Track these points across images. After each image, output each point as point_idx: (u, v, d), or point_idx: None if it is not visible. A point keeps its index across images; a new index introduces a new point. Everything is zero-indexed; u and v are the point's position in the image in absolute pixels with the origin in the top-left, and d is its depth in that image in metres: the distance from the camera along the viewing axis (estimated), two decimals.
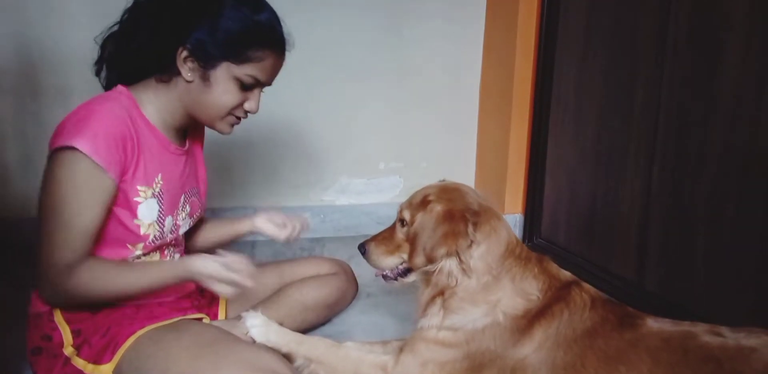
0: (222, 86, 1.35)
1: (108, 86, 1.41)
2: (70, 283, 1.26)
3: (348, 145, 2.72)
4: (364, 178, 2.78)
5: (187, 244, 1.66)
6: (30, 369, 1.41)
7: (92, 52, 2.42)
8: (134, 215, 1.34)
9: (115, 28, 1.38)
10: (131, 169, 1.31)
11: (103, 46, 1.39)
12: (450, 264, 1.33)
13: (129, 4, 1.37)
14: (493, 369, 1.28)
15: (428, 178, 2.80)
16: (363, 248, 1.47)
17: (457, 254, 1.32)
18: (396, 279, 1.46)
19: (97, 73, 1.41)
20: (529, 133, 2.59)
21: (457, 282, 1.33)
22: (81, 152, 1.21)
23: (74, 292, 1.27)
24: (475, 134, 2.86)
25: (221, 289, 1.33)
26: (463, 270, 1.33)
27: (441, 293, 1.35)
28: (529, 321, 1.29)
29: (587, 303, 1.30)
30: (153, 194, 1.37)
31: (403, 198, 2.82)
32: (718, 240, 1.75)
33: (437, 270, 1.34)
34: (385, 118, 2.74)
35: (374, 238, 1.47)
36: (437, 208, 1.35)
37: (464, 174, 2.89)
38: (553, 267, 1.40)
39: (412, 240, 1.38)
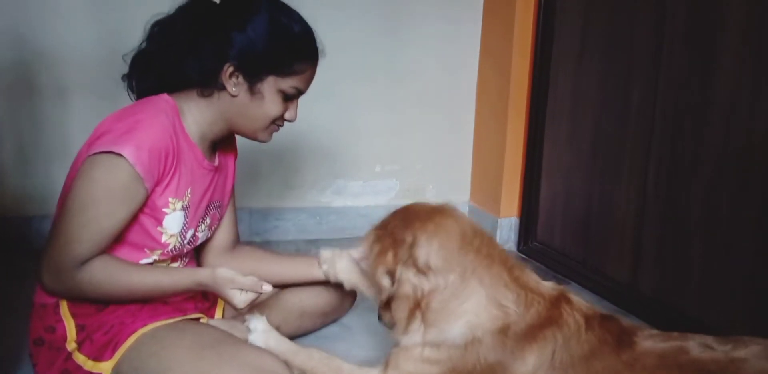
0: (269, 98, 1.38)
1: (139, 98, 1.41)
2: (79, 277, 1.26)
3: (344, 147, 2.72)
4: (361, 180, 2.77)
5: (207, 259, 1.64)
6: (29, 360, 1.41)
7: (90, 51, 2.42)
8: (159, 224, 1.35)
9: (144, 44, 1.38)
10: (166, 181, 1.33)
11: (134, 63, 1.40)
12: (406, 275, 1.24)
13: (156, 19, 1.38)
14: None
15: (424, 180, 2.84)
16: (378, 316, 1.38)
17: (402, 264, 1.24)
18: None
19: (130, 88, 1.42)
20: (525, 135, 2.59)
21: (425, 288, 1.24)
22: (126, 160, 1.22)
23: (80, 287, 1.28)
24: (472, 137, 2.86)
25: (237, 298, 1.34)
26: (422, 272, 1.24)
27: (417, 305, 1.26)
28: (517, 343, 1.22)
29: (581, 325, 1.23)
30: (182, 207, 1.38)
31: (399, 201, 2.84)
32: (713, 243, 1.75)
33: (399, 287, 1.26)
34: (381, 121, 2.74)
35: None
36: (369, 236, 1.33)
37: (460, 176, 2.89)
38: (530, 279, 1.31)
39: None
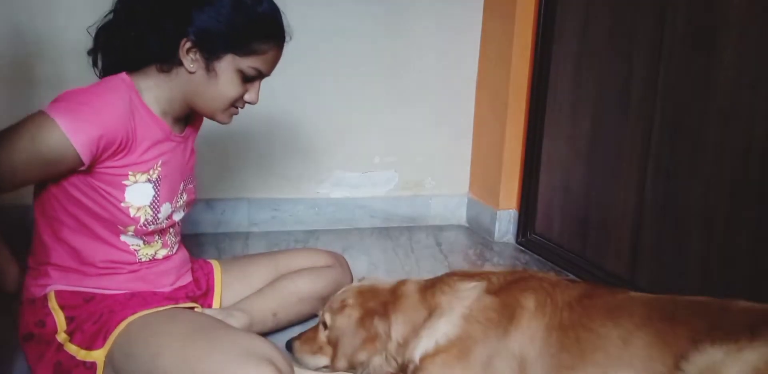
0: (225, 78, 1.35)
1: (104, 75, 1.41)
2: None
3: (343, 139, 2.71)
4: (359, 171, 2.77)
5: None
6: (22, 356, 1.41)
7: (89, 42, 2.41)
8: (122, 199, 1.34)
9: (110, 17, 1.37)
10: (120, 156, 1.31)
11: (97, 36, 1.38)
12: (375, 362, 1.41)
13: None
14: (501, 355, 1.30)
15: (423, 172, 2.84)
16: (289, 345, 1.50)
17: (379, 354, 1.40)
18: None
19: (94, 63, 1.41)
20: (524, 128, 2.59)
21: (399, 360, 1.40)
22: (59, 127, 1.21)
23: None
24: (471, 129, 2.86)
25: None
26: (392, 355, 1.40)
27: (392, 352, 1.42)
28: (509, 295, 1.33)
29: (561, 280, 1.38)
30: (148, 179, 1.37)
31: (399, 193, 2.84)
32: (711, 239, 1.76)
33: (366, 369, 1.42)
34: (380, 112, 2.73)
35: (300, 337, 1.51)
36: (353, 314, 1.42)
37: (459, 168, 2.89)
38: (476, 271, 1.49)
39: (334, 344, 1.43)
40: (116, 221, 1.36)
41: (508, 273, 1.42)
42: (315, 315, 1.75)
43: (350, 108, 2.69)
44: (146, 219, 1.39)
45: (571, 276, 2.25)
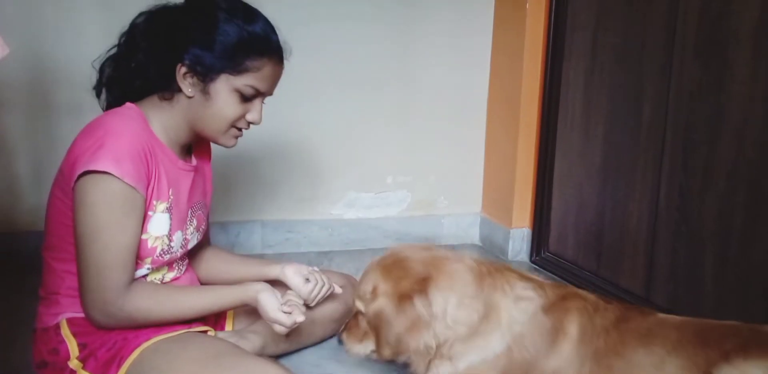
0: (223, 98, 1.36)
1: (108, 108, 1.43)
2: (127, 308, 1.28)
3: (356, 159, 2.73)
4: (372, 192, 2.78)
5: (198, 269, 1.66)
6: None
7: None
8: (145, 229, 1.35)
9: (113, 50, 1.41)
10: (152, 185, 1.34)
11: (102, 69, 1.42)
12: (428, 342, 1.31)
13: (125, 28, 1.40)
14: None
15: (436, 192, 2.85)
16: (339, 339, 1.46)
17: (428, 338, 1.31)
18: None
19: (98, 96, 1.44)
20: (536, 147, 2.59)
21: (446, 336, 1.32)
22: (111, 175, 1.24)
23: (130, 314, 1.30)
24: (483, 148, 2.86)
25: (278, 327, 1.42)
26: (438, 335, 1.31)
27: (437, 352, 1.33)
28: (555, 318, 1.32)
29: (599, 300, 1.36)
30: (166, 208, 1.39)
31: (411, 213, 2.84)
32: (726, 256, 1.74)
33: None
34: (392, 132, 2.74)
35: (345, 327, 1.46)
36: (386, 302, 1.31)
37: (472, 187, 2.88)
38: (527, 273, 1.45)
39: (375, 331, 1.35)
40: (138, 254, 1.37)
41: (554, 286, 1.41)
42: (329, 337, 1.75)
43: (361, 128, 2.70)
44: (162, 249, 1.40)
45: None
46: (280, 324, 1.40)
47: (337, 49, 2.57)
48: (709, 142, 1.78)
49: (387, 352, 1.34)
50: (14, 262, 2.27)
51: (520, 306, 1.34)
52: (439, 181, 2.84)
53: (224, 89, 1.35)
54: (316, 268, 1.63)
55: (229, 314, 1.64)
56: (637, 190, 2.06)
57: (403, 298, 1.30)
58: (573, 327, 1.31)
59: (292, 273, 1.58)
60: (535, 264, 2.59)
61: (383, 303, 1.31)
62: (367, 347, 1.40)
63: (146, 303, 1.31)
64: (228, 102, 1.37)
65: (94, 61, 1.41)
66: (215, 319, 1.60)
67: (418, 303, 1.29)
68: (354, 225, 2.76)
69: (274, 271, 1.61)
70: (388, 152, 2.76)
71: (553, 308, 1.34)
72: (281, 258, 2.56)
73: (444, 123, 2.79)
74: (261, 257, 2.58)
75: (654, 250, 2.00)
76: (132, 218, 1.29)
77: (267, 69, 1.38)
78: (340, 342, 1.45)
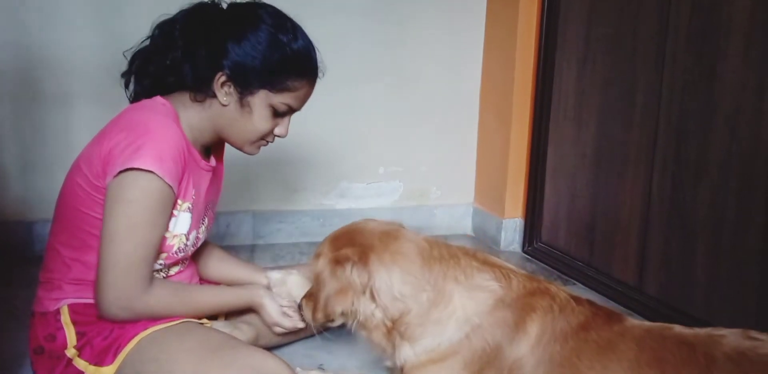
0: (258, 113, 1.38)
1: (136, 98, 1.43)
2: (151, 301, 1.30)
3: (348, 150, 2.72)
4: (364, 182, 2.77)
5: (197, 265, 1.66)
6: (29, 368, 1.40)
7: (92, 57, 2.43)
8: (168, 227, 1.36)
9: (146, 42, 1.40)
10: (183, 184, 1.35)
11: (132, 60, 1.42)
12: (367, 311, 1.29)
13: (160, 20, 1.39)
14: (491, 371, 1.27)
15: (428, 182, 2.84)
16: (299, 304, 1.46)
17: (361, 303, 1.28)
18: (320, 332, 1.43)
19: (126, 85, 1.43)
20: (529, 137, 2.59)
21: (396, 312, 1.28)
22: (155, 174, 1.24)
23: (152, 310, 1.31)
24: (476, 138, 2.86)
25: (276, 330, 1.52)
26: (387, 306, 1.28)
27: (391, 330, 1.31)
28: (517, 314, 1.27)
29: (570, 300, 1.31)
30: (188, 208, 1.39)
31: (404, 203, 2.84)
32: (718, 245, 1.74)
33: (359, 318, 1.30)
34: (385, 123, 2.73)
35: (306, 295, 1.44)
36: (324, 264, 1.32)
37: (464, 178, 2.88)
38: (497, 260, 1.37)
39: (316, 294, 1.35)
40: None
41: (526, 279, 1.33)
42: (321, 331, 1.75)
43: (354, 119, 2.69)
44: (179, 247, 1.41)
45: (579, 285, 2.24)
46: (283, 327, 1.48)
47: (329, 42, 2.52)
48: (701, 132, 1.78)
49: (319, 315, 1.33)
50: (1, 253, 2.26)
51: (477, 296, 1.29)
52: (431, 172, 2.83)
53: (261, 104, 1.37)
54: (292, 271, 1.68)
55: None
56: (630, 181, 2.06)
57: (338, 263, 1.30)
58: (533, 327, 1.26)
59: (269, 301, 1.56)
60: (528, 254, 2.59)
61: (321, 266, 1.33)
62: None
63: (170, 299, 1.34)
64: (262, 116, 1.39)
65: (126, 51, 1.41)
66: None
67: (349, 270, 1.28)
68: (346, 215, 2.74)
69: (262, 281, 1.65)
70: (380, 142, 2.75)
71: (517, 303, 1.28)
72: (272, 248, 2.57)
73: (436, 113, 2.79)
74: (251, 249, 2.58)
75: (646, 240, 2.00)
76: (165, 216, 1.31)
77: (304, 90, 1.41)
78: (299, 307, 1.45)
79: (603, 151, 2.20)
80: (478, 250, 1.39)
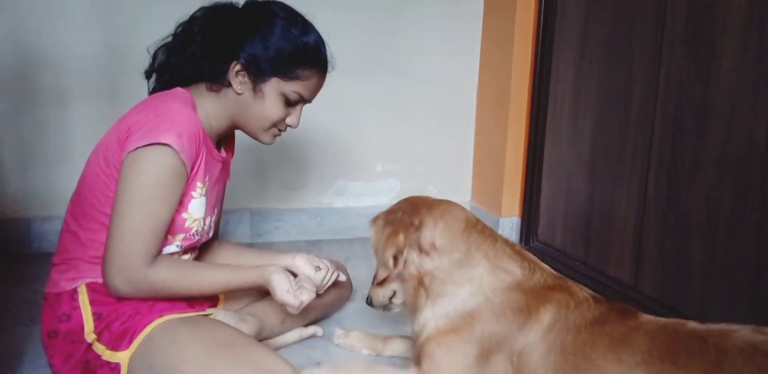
0: (269, 100, 1.46)
1: (154, 92, 1.50)
2: (152, 277, 1.31)
3: (345, 148, 2.72)
4: (361, 180, 2.78)
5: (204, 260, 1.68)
6: (28, 366, 1.40)
7: (90, 54, 2.43)
8: (185, 208, 1.41)
9: (169, 39, 1.49)
10: (197, 166, 1.40)
11: (155, 56, 1.50)
12: (411, 257, 1.37)
13: (184, 19, 1.48)
14: (501, 354, 1.30)
15: (426, 180, 2.85)
16: (368, 298, 1.51)
17: (408, 246, 1.36)
18: (385, 308, 1.50)
19: (148, 78, 1.51)
20: (526, 136, 2.59)
21: (429, 264, 1.36)
22: (171, 148, 1.29)
23: (153, 284, 1.33)
24: (473, 137, 2.86)
25: (290, 307, 1.46)
26: (426, 252, 1.36)
27: (420, 282, 1.38)
28: (531, 300, 1.31)
29: (589, 297, 1.34)
30: (205, 192, 1.45)
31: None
32: (713, 243, 1.75)
33: (405, 269, 1.37)
34: (382, 121, 2.74)
35: (373, 285, 1.50)
36: (378, 221, 1.43)
37: (461, 176, 2.89)
38: (529, 254, 1.42)
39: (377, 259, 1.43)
40: (173, 230, 1.41)
41: (550, 275, 1.38)
42: (316, 322, 1.79)
43: (351, 117, 2.70)
44: (196, 230, 1.46)
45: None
46: (288, 305, 1.45)
47: (327, 38, 2.55)
48: (697, 130, 1.79)
49: (381, 272, 1.39)
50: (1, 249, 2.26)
51: (497, 274, 1.35)
52: (428, 170, 2.84)
53: (272, 92, 1.46)
54: (323, 259, 1.69)
55: (222, 297, 1.65)
56: (626, 179, 2.07)
57: (391, 213, 1.42)
58: (546, 316, 1.30)
59: (303, 263, 1.63)
60: None
61: (377, 224, 1.43)
62: (386, 292, 1.46)
63: (171, 274, 1.34)
64: (274, 103, 1.47)
65: (149, 46, 1.49)
66: (216, 299, 1.63)
67: (400, 214, 1.39)
68: (343, 213, 2.75)
69: (285, 261, 1.65)
70: (377, 140, 2.75)
71: (533, 292, 1.33)
72: (270, 247, 2.57)
73: (434, 111, 2.79)
74: (250, 246, 2.58)
75: (642, 239, 2.01)
76: (176, 193, 1.34)
77: (314, 79, 1.50)
78: (369, 301, 1.51)
79: (599, 149, 2.21)
80: (517, 244, 1.46)
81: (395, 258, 1.37)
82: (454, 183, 2.88)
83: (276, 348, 1.63)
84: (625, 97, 2.06)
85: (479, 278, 1.35)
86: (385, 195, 2.81)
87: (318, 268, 1.62)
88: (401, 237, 1.37)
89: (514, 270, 1.36)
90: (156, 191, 1.30)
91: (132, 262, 1.29)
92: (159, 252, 1.34)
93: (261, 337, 1.56)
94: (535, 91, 2.52)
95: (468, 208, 2.84)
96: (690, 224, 1.82)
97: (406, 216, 1.39)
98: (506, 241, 1.43)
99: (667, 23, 1.88)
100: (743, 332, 1.19)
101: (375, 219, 1.46)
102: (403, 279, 1.40)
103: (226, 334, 1.35)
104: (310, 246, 2.60)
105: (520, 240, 2.63)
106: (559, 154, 2.43)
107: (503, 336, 1.30)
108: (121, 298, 1.35)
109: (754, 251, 1.64)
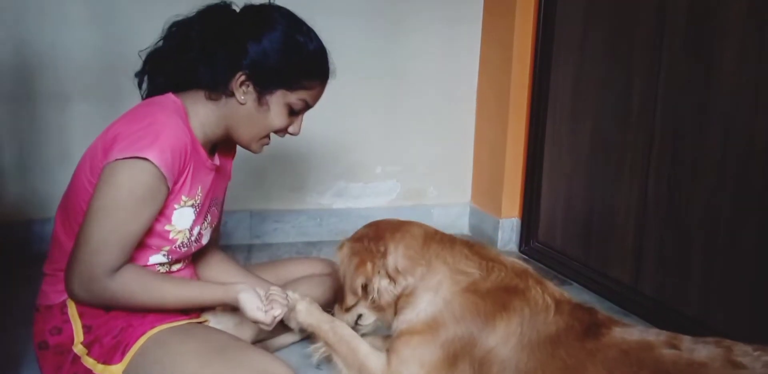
0: (274, 111, 1.42)
1: (148, 96, 1.45)
2: (112, 287, 1.27)
3: (345, 149, 2.72)
4: (361, 182, 2.77)
5: (201, 271, 1.65)
6: (32, 365, 1.40)
7: (89, 56, 2.42)
8: (168, 220, 1.37)
9: (161, 43, 1.42)
10: (182, 180, 1.36)
11: (147, 60, 1.44)
12: (382, 285, 1.39)
13: (175, 20, 1.41)
14: (465, 359, 1.28)
15: (425, 182, 2.84)
16: (332, 312, 1.51)
17: (376, 274, 1.39)
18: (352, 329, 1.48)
19: (140, 84, 1.46)
20: (525, 137, 2.59)
21: (399, 289, 1.39)
22: (151, 162, 1.25)
23: (113, 295, 1.28)
24: (472, 139, 2.86)
25: (261, 326, 1.37)
26: (393, 278, 1.39)
27: (395, 306, 1.41)
28: (487, 306, 1.29)
29: (550, 306, 1.27)
30: (193, 204, 1.41)
31: (401, 202, 2.84)
32: (713, 245, 1.75)
33: (375, 296, 1.40)
34: (382, 122, 2.74)
35: (336, 300, 1.53)
36: (344, 249, 1.44)
37: (461, 177, 2.89)
38: (491, 252, 1.43)
39: (341, 288, 1.44)
40: (155, 242, 1.37)
41: (509, 275, 1.34)
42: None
43: (351, 118, 2.69)
44: (182, 242, 1.42)
45: (575, 285, 2.25)
46: (260, 323, 1.36)
47: (327, 41, 2.54)
48: (697, 132, 1.79)
49: (349, 299, 1.42)
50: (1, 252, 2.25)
51: (455, 278, 1.36)
52: (428, 171, 2.84)
53: (278, 102, 1.42)
54: (274, 289, 1.49)
55: None
56: (626, 181, 2.07)
57: (357, 241, 1.45)
58: (502, 326, 1.26)
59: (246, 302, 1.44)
60: (524, 254, 2.60)
61: (343, 252, 1.45)
62: (351, 315, 1.48)
63: (133, 287, 1.29)
64: (278, 114, 1.43)
65: (141, 51, 1.43)
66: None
67: (370, 244, 1.41)
68: (343, 215, 2.75)
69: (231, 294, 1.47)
70: (377, 142, 2.75)
71: (490, 294, 1.30)
72: (269, 248, 2.57)
73: (433, 113, 2.79)
74: (248, 249, 2.58)
75: (642, 240, 2.01)
76: (149, 209, 1.30)
77: (318, 88, 1.47)
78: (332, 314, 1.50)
79: (599, 151, 2.21)
80: (479, 243, 1.46)
81: (364, 287, 1.39)
82: (453, 184, 2.88)
83: (275, 349, 1.63)
84: (625, 99, 2.06)
85: (439, 284, 1.36)
86: (385, 197, 2.81)
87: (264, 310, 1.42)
88: (369, 266, 1.39)
89: (471, 271, 1.36)
90: (127, 204, 1.26)
91: (93, 271, 1.26)
92: (125, 263, 1.29)
93: (260, 339, 1.55)
94: (534, 93, 2.52)
95: (468, 209, 2.86)
96: (690, 224, 1.82)
97: (372, 243, 1.41)
98: (465, 243, 1.44)
99: (667, 26, 1.88)
100: (713, 366, 1.09)
101: (341, 247, 1.46)
102: (380, 308, 1.42)
103: (219, 340, 1.33)
104: (310, 248, 2.59)
105: (520, 241, 2.63)
106: (559, 156, 2.43)
107: (466, 339, 1.29)
108: (108, 309, 1.34)
109: (753, 252, 1.64)
